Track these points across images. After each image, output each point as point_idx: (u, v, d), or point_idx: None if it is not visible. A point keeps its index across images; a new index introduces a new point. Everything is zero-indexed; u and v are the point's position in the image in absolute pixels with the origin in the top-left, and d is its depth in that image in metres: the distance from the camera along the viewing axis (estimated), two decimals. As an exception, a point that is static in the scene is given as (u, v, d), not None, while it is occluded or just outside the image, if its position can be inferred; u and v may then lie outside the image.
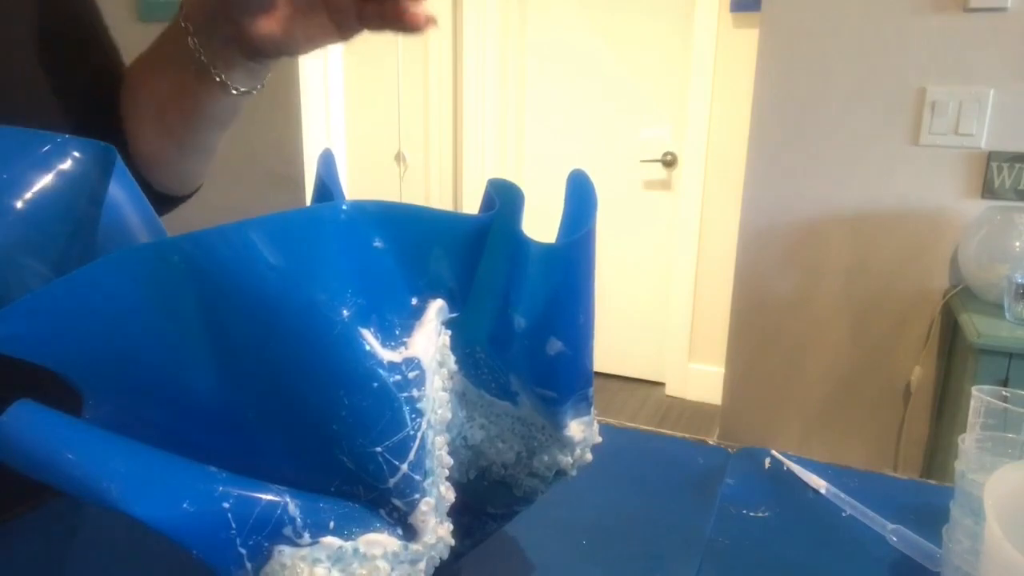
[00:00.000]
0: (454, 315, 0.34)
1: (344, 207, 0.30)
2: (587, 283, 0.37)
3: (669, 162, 2.92)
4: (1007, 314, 1.53)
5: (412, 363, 0.30)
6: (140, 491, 0.26)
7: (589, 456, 0.41)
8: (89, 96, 0.58)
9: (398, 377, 0.29)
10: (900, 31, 1.73)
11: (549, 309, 0.36)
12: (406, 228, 0.33)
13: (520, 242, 0.36)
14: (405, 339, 0.31)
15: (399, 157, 3.20)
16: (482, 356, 0.38)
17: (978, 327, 1.49)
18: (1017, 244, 1.62)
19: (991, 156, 1.71)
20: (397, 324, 0.31)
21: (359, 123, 3.08)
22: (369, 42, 2.94)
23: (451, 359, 0.34)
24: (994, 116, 1.70)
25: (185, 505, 0.27)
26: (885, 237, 1.84)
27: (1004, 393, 0.43)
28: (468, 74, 3.18)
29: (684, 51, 2.78)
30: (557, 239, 0.38)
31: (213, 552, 0.27)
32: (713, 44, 2.68)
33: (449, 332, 0.34)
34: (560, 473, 0.40)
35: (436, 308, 0.32)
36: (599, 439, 0.41)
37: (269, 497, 0.28)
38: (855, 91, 1.79)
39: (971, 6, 1.65)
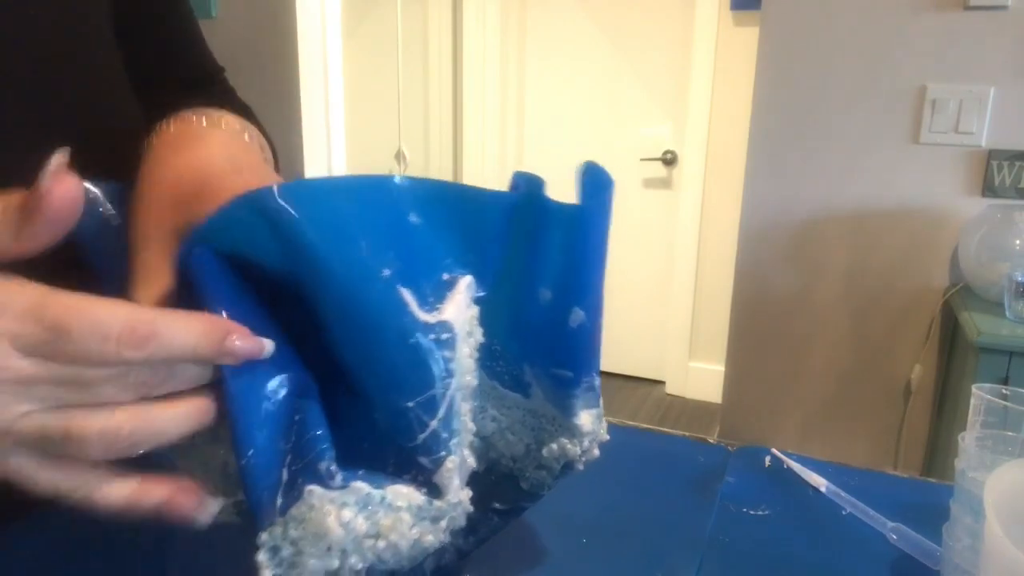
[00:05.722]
0: (481, 294, 0.35)
1: (398, 180, 0.32)
2: (604, 251, 0.38)
3: (669, 160, 2.92)
4: (1007, 312, 1.53)
5: (444, 326, 0.31)
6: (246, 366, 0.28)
7: (596, 451, 0.41)
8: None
9: (432, 336, 0.31)
10: (900, 29, 1.73)
11: (570, 276, 0.37)
12: (439, 205, 0.34)
13: (545, 208, 0.37)
14: (438, 305, 0.32)
15: (399, 156, 3.20)
16: (498, 348, 0.38)
17: (978, 325, 1.49)
18: (1017, 242, 1.62)
19: (991, 154, 1.71)
20: (430, 293, 0.32)
21: (359, 121, 3.07)
22: (370, 41, 2.92)
23: (479, 331, 0.35)
24: (994, 114, 1.70)
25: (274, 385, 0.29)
26: (885, 236, 1.84)
27: (1004, 391, 0.43)
28: (468, 74, 3.18)
29: (684, 49, 2.78)
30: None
31: (264, 466, 0.28)
32: (713, 42, 2.68)
33: (477, 308, 0.35)
34: (568, 466, 0.40)
35: (466, 283, 0.34)
36: (607, 437, 0.41)
37: (322, 431, 0.30)
38: (855, 90, 1.79)
39: (971, 4, 1.65)
